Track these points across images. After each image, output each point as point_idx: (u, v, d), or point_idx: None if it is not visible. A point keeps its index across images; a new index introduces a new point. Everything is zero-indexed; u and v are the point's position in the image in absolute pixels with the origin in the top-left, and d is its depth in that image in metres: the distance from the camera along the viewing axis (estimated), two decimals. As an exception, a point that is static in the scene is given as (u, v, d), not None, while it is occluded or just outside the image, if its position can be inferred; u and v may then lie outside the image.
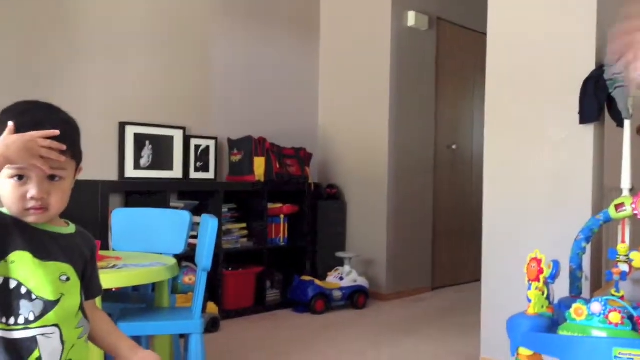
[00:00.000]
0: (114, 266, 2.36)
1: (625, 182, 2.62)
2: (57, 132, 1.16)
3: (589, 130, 2.88)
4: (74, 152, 1.23)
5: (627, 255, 2.29)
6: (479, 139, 5.13)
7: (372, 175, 4.94)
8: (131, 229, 2.90)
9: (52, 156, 1.16)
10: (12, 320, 1.14)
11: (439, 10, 5.33)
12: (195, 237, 2.90)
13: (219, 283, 4.04)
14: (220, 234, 4.04)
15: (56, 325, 1.18)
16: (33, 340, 1.15)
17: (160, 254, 2.76)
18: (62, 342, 1.18)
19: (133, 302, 2.87)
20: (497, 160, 3.22)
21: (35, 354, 1.15)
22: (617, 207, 2.33)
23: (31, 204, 1.17)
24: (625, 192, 2.61)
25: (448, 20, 5.44)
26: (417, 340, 3.73)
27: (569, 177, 2.94)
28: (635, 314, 1.88)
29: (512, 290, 2.89)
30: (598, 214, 2.45)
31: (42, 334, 1.16)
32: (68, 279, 1.21)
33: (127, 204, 3.90)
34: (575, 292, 2.41)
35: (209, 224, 2.47)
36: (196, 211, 3.77)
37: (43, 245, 1.20)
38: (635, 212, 2.29)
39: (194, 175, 4.31)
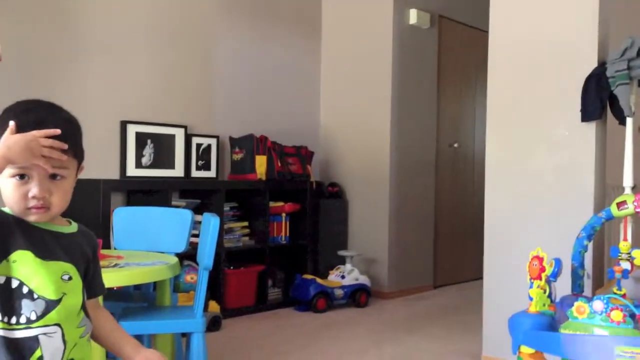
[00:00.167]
0: (115, 265, 2.36)
1: (627, 180, 2.62)
2: (58, 131, 1.16)
3: (591, 128, 2.88)
4: (76, 151, 1.23)
5: (629, 253, 2.29)
6: (481, 137, 5.13)
7: (374, 173, 4.94)
8: (133, 228, 2.90)
9: (54, 155, 1.16)
10: (13, 320, 1.14)
11: (441, 8, 5.32)
12: (196, 235, 2.89)
13: (220, 282, 4.04)
14: (222, 232, 4.04)
15: (58, 325, 1.18)
16: (35, 340, 1.15)
17: (162, 252, 2.76)
18: (64, 341, 1.18)
19: (135, 301, 2.87)
20: (498, 158, 3.21)
21: (37, 354, 1.15)
22: (619, 204, 2.33)
23: (33, 203, 1.17)
24: (627, 190, 2.61)
25: (450, 18, 5.44)
26: (419, 339, 3.73)
27: (570, 175, 2.94)
28: (637, 312, 1.88)
29: (514, 288, 2.89)
30: (600, 212, 2.45)
31: (44, 334, 1.16)
32: (70, 278, 1.21)
33: (129, 202, 3.91)
34: (577, 290, 2.41)
35: (211, 222, 2.47)
36: (198, 210, 3.78)
37: (44, 245, 1.19)
38: (637, 210, 2.28)
39: (195, 173, 4.31)
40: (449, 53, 5.44)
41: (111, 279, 2.22)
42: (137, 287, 2.96)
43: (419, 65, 5.14)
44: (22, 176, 1.17)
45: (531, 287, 2.10)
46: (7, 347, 1.13)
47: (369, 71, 5.01)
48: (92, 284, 1.31)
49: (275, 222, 4.52)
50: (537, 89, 3.07)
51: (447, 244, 5.47)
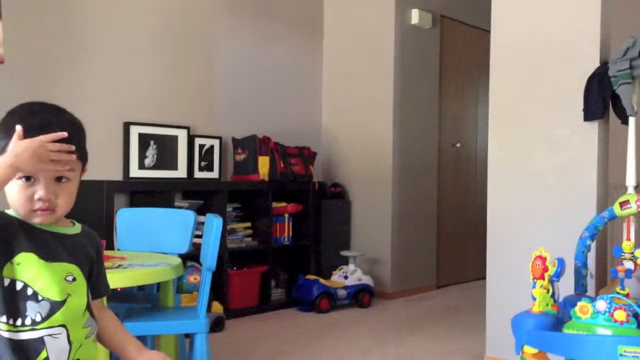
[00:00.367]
0: (119, 266, 2.37)
1: (630, 180, 2.62)
2: (65, 134, 1.16)
3: (593, 127, 2.87)
4: (80, 153, 1.24)
5: (632, 253, 2.28)
6: (483, 136, 5.12)
7: (377, 173, 4.94)
8: (136, 229, 2.90)
9: (62, 158, 1.16)
10: (19, 322, 1.15)
11: (443, 7, 5.32)
12: (199, 236, 2.90)
13: (223, 282, 4.04)
14: (225, 233, 4.05)
15: (63, 326, 1.18)
16: (40, 341, 1.16)
17: (165, 253, 2.77)
18: (69, 342, 1.19)
19: (138, 302, 2.88)
20: (501, 158, 3.21)
21: (43, 355, 1.15)
22: (622, 204, 2.32)
23: (38, 205, 1.18)
24: (630, 190, 2.60)
25: (452, 18, 5.44)
26: (422, 339, 3.73)
27: (573, 174, 2.94)
28: (640, 312, 1.88)
29: (517, 288, 2.89)
30: (603, 212, 2.45)
31: (49, 335, 1.16)
32: (74, 279, 1.22)
33: (132, 203, 3.91)
34: (580, 290, 2.41)
35: (214, 223, 2.47)
36: (201, 211, 3.78)
37: (48, 246, 1.20)
38: (640, 209, 2.28)
39: (198, 174, 4.31)
40: (450, 53, 5.44)
41: (115, 280, 2.21)
42: (140, 288, 2.97)
43: (421, 65, 5.14)
44: (27, 178, 1.17)
45: (534, 287, 2.10)
46: (12, 349, 1.14)
47: (371, 71, 5.01)
48: (96, 285, 1.31)
49: (278, 222, 4.52)
50: (538, 89, 3.07)
51: (450, 244, 5.47)
